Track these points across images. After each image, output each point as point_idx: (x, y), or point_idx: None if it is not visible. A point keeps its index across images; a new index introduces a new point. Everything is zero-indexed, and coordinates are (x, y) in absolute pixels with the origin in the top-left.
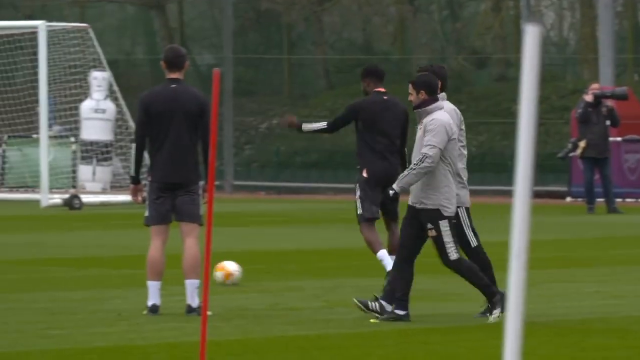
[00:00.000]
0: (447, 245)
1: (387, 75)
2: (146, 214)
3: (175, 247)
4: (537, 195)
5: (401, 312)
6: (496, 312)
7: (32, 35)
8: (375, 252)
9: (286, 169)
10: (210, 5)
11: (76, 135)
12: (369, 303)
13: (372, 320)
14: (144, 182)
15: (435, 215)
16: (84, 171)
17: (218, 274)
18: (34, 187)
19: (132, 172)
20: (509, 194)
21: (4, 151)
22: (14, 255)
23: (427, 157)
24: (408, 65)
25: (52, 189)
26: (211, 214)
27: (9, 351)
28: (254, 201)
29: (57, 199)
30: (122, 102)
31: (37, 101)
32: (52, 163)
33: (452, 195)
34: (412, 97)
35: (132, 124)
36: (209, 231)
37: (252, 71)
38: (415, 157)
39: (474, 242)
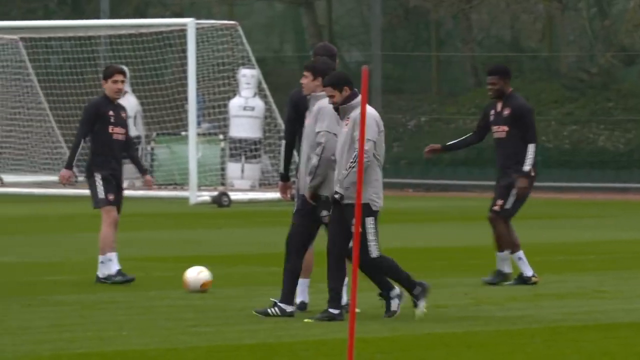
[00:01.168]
0: (370, 243)
1: (535, 73)
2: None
3: (324, 244)
4: None
5: (335, 311)
6: (421, 304)
7: (181, 32)
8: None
9: (434, 166)
10: (358, 3)
11: (225, 133)
12: (268, 310)
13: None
14: (292, 179)
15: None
16: (233, 169)
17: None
18: (182, 184)
19: (282, 169)
20: None
21: (152, 149)
22: (163, 252)
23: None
24: (556, 62)
25: (201, 186)
26: (359, 211)
27: (158, 348)
28: (402, 198)
29: (205, 196)
30: (270, 99)
31: (185, 99)
32: (201, 161)
33: (381, 189)
34: (336, 97)
35: (280, 121)
36: (357, 228)
37: (400, 68)
38: (342, 153)
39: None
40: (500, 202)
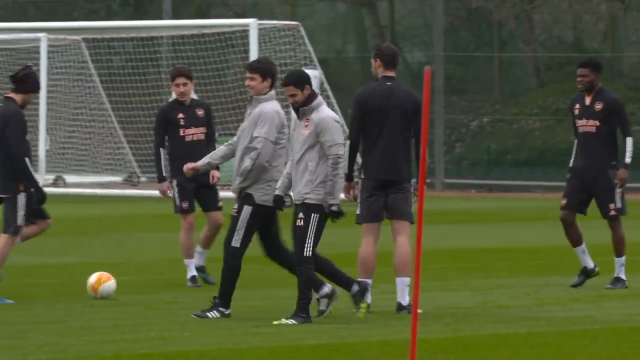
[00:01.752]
0: (308, 240)
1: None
2: (358, 211)
3: (386, 244)
4: None
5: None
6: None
7: (244, 33)
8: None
9: (497, 166)
10: (421, 3)
11: (287, 133)
12: (208, 314)
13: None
14: (356, 179)
15: (314, 208)
16: None
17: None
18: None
19: (345, 170)
20: None
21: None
22: None
23: (339, 156)
24: (619, 63)
25: None
26: (422, 211)
27: (219, 348)
28: (464, 199)
29: None
30: (332, 100)
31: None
32: None
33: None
34: (298, 96)
35: (343, 121)
36: (420, 229)
37: (462, 69)
38: (300, 154)
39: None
40: (612, 205)
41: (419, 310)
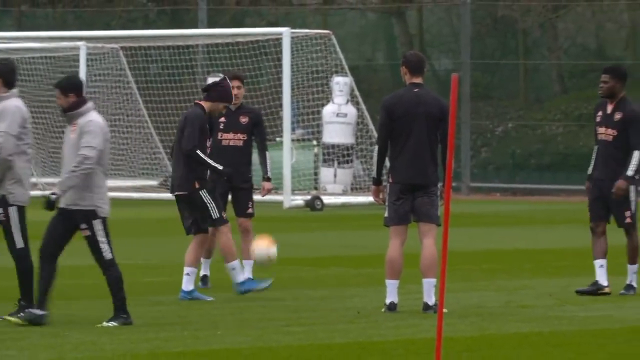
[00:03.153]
0: (101, 245)
1: None
2: (386, 214)
3: (413, 246)
4: None
5: (40, 312)
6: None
7: (277, 41)
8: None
9: (521, 170)
10: (448, 12)
11: (318, 139)
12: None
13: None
14: (385, 183)
15: (90, 215)
16: (326, 173)
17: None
18: (276, 188)
19: (374, 174)
20: None
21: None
22: None
23: (87, 158)
24: None
25: (295, 190)
26: (448, 214)
27: (251, 346)
28: (489, 202)
29: (299, 200)
30: (362, 106)
31: (280, 105)
32: (295, 165)
33: (106, 195)
34: (61, 101)
35: (372, 127)
36: (446, 231)
37: (488, 76)
38: (69, 159)
39: (19, 244)
40: (627, 213)
41: (445, 310)
